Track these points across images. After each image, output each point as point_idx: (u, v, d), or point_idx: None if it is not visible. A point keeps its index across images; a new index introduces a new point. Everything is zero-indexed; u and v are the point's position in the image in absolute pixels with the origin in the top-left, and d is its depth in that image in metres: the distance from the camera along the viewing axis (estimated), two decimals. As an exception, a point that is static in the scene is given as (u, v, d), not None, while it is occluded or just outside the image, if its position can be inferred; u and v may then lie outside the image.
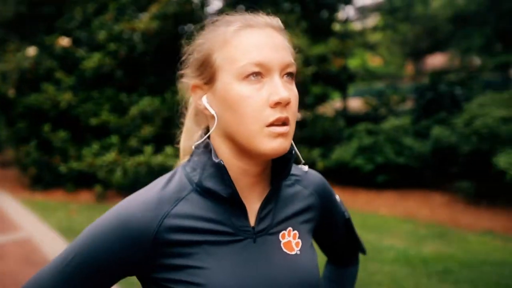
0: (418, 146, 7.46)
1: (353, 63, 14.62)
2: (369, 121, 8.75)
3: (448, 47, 13.88)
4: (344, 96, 11.67)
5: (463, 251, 4.84)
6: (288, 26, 8.54)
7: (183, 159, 0.90)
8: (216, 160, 0.76)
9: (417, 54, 15.65)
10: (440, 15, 13.58)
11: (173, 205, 0.76)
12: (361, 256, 1.12)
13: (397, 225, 6.02)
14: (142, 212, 0.75)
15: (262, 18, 0.79)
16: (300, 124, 9.17)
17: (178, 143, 0.93)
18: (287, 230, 0.84)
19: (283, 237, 0.83)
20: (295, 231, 0.85)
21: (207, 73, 0.79)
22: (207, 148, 0.80)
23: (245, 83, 0.75)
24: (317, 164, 7.96)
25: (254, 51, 0.75)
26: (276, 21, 0.81)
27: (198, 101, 0.82)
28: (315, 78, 8.29)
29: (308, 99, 8.97)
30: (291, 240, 0.84)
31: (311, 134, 8.63)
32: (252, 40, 0.76)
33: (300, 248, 0.85)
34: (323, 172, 8.16)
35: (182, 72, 0.85)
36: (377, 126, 8.03)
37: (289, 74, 0.79)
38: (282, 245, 0.83)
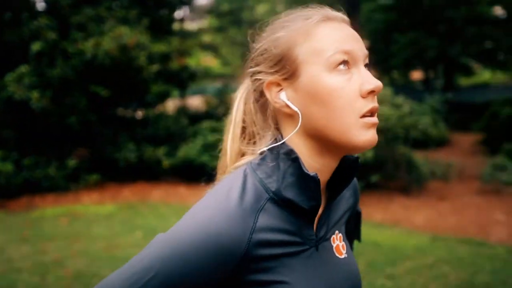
0: (258, 142, 8.03)
1: (190, 62, 14.86)
2: (211, 119, 9.07)
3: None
4: (184, 95, 11.82)
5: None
6: (129, 22, 8.22)
7: (237, 161, 0.82)
8: (312, 174, 0.72)
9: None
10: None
11: (255, 217, 0.71)
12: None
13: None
14: (232, 228, 0.69)
15: (335, 12, 0.78)
16: (142, 123, 8.98)
17: (220, 144, 0.87)
18: (335, 233, 0.83)
19: (333, 241, 0.82)
20: (340, 234, 0.85)
21: (289, 68, 0.74)
22: (289, 155, 0.74)
23: (335, 74, 0.72)
24: (163, 162, 7.93)
25: (340, 41, 0.73)
26: (345, 15, 0.79)
27: (275, 99, 0.76)
28: (155, 76, 8.23)
29: (149, 97, 8.83)
30: (339, 244, 0.83)
31: (155, 133, 8.55)
32: (335, 31, 0.74)
33: (346, 251, 0.84)
34: (170, 170, 8.17)
35: (252, 69, 0.79)
36: (220, 124, 8.36)
37: (366, 65, 0.77)
38: (334, 249, 0.81)
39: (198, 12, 15.56)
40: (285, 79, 0.75)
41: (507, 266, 4.12)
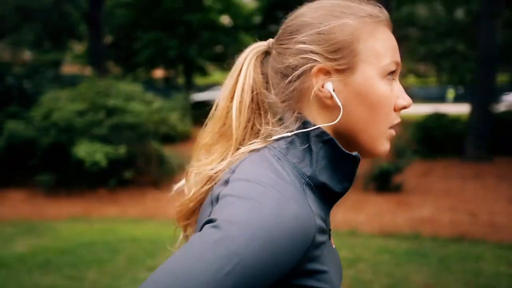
0: (-10, 142, 6.94)
1: None
2: None
3: (8, 38, 13.36)
4: None
5: (56, 240, 5.01)
6: None
7: (246, 134, 0.78)
8: (354, 153, 0.71)
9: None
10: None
11: (307, 201, 0.66)
12: None
13: (-23, 229, 5.46)
14: (304, 209, 0.64)
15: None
16: None
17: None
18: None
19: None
20: None
21: (347, 61, 0.72)
22: (320, 137, 0.71)
23: (384, 82, 0.73)
24: None
25: (394, 50, 0.74)
26: None
27: (319, 86, 0.72)
28: None
29: None
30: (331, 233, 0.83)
31: None
32: (392, 38, 0.75)
33: (333, 240, 0.83)
34: None
35: (306, 47, 0.72)
36: None
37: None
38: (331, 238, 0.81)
39: None
40: (340, 70, 0.72)
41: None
